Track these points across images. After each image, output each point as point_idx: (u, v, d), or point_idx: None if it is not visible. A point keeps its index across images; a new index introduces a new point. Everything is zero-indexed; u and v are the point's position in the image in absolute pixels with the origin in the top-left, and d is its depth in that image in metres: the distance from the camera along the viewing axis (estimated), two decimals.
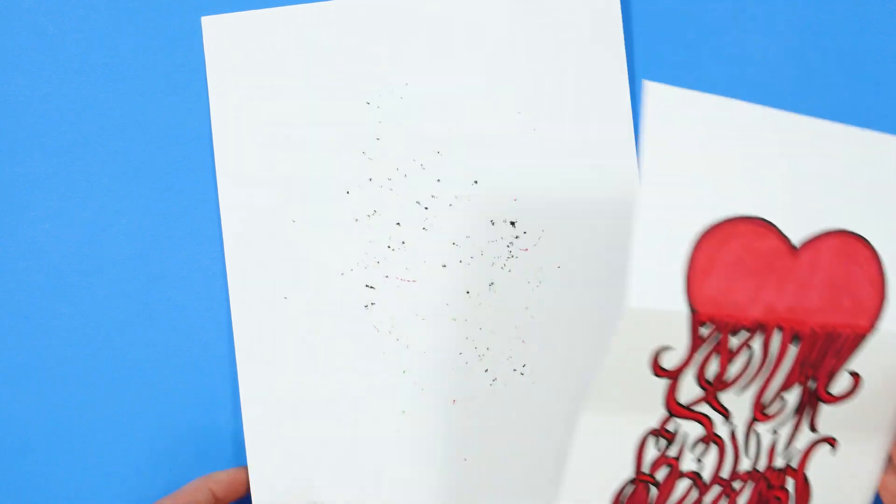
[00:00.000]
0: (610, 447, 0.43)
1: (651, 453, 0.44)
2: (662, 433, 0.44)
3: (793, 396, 0.44)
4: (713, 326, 0.41)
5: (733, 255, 0.41)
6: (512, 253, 0.53)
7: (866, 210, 0.43)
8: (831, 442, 0.46)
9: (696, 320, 0.41)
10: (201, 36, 0.53)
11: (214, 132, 0.52)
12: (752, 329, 0.42)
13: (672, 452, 0.44)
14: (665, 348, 0.41)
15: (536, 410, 0.53)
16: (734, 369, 0.43)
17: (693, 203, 0.40)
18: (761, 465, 0.46)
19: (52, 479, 0.53)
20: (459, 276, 0.52)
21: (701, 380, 0.42)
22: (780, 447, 0.45)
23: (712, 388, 0.43)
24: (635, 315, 0.39)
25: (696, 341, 0.41)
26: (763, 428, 0.45)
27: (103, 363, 0.53)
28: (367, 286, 0.52)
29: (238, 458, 0.53)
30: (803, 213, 0.43)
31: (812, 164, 0.43)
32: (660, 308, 0.40)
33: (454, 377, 0.52)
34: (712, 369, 0.42)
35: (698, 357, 0.42)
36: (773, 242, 0.42)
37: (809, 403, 0.45)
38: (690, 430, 0.44)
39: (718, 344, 0.42)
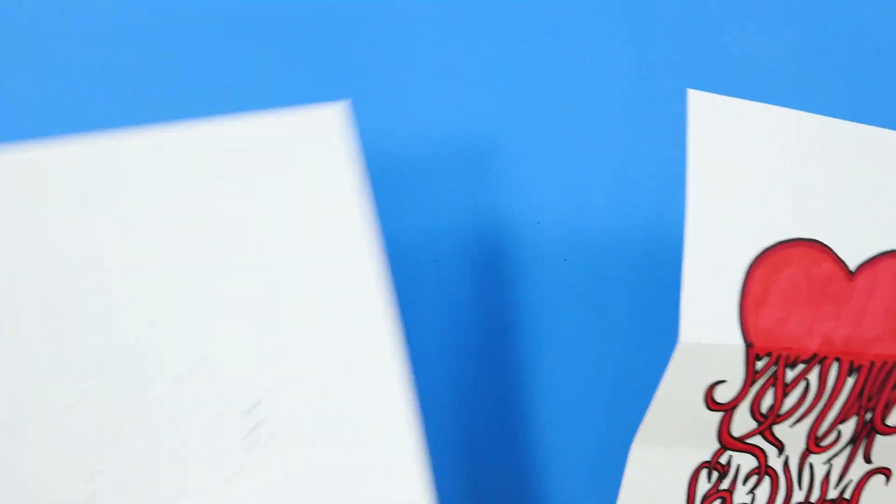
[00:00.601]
0: (661, 480, 0.42)
1: (703, 487, 0.43)
2: (715, 466, 0.43)
3: (848, 427, 0.43)
4: (769, 359, 0.40)
5: (789, 283, 0.40)
6: None
7: None
8: (886, 472, 0.45)
9: (752, 353, 0.39)
10: (198, 36, 0.52)
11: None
12: (809, 361, 0.40)
13: (724, 485, 0.43)
14: (720, 382, 0.40)
15: None
16: (789, 402, 0.41)
17: (745, 224, 0.39)
18: (815, 497, 0.44)
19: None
20: None
21: (756, 413, 0.41)
22: (833, 478, 0.44)
23: (767, 421, 0.42)
24: (688, 350, 0.38)
25: (751, 374, 0.40)
26: (817, 459, 0.44)
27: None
28: None
29: None
30: (859, 233, 0.41)
31: (867, 178, 0.42)
32: (714, 343, 0.39)
33: None
34: (767, 402, 0.41)
35: (753, 390, 0.41)
36: (829, 266, 0.41)
37: (866, 435, 0.43)
38: (743, 462, 0.43)
39: (774, 377, 0.40)
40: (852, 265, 0.41)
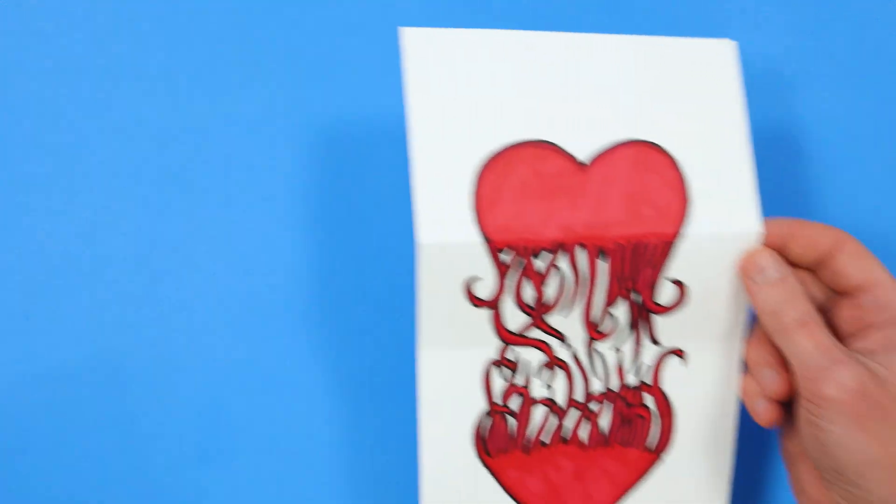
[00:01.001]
0: (456, 381, 0.47)
1: (499, 384, 0.47)
2: (504, 363, 0.47)
3: (621, 312, 0.47)
4: (513, 252, 0.45)
5: (519, 181, 0.45)
6: None
7: (657, 116, 0.46)
8: (679, 353, 0.48)
9: (493, 248, 0.44)
10: (198, 36, 0.54)
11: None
12: (553, 250, 0.45)
13: (519, 381, 0.47)
14: (474, 279, 0.45)
15: None
16: (551, 291, 0.46)
17: (469, 136, 0.45)
18: (614, 385, 0.48)
19: (49, 480, 0.53)
20: None
21: (522, 305, 0.46)
22: (626, 364, 0.48)
23: (536, 312, 0.46)
24: (429, 251, 0.44)
25: (501, 268, 0.45)
26: (603, 347, 0.47)
27: (103, 363, 0.53)
28: None
29: (250, 458, 0.54)
30: (588, 129, 0.46)
31: (589, 80, 0.46)
32: (452, 241, 0.44)
33: None
34: (529, 294, 0.46)
35: (510, 283, 0.45)
36: (558, 162, 0.45)
37: (641, 317, 0.47)
38: (531, 357, 0.47)
39: (525, 268, 0.45)
40: (585, 158, 0.46)
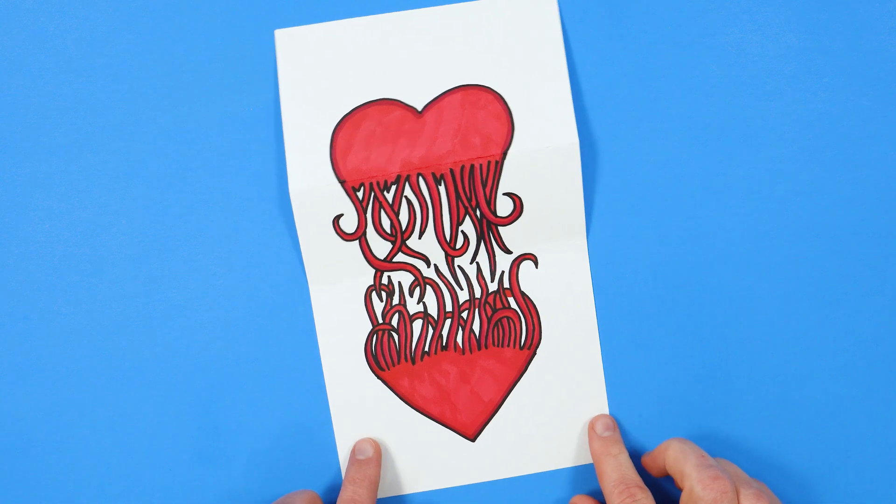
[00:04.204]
0: (343, 309, 0.55)
1: (379, 306, 0.55)
2: (380, 287, 0.55)
3: (469, 228, 0.54)
4: (364, 188, 0.54)
5: (367, 132, 0.54)
6: None
7: (486, 64, 0.54)
8: (530, 258, 0.55)
9: (349, 186, 0.53)
10: (198, 36, 0.54)
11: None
12: (397, 182, 0.54)
13: (395, 301, 0.55)
14: (339, 216, 0.54)
15: None
16: (404, 218, 0.54)
17: (326, 104, 0.54)
18: (479, 293, 0.55)
19: (50, 480, 0.54)
20: None
21: (383, 234, 0.54)
22: (485, 273, 0.55)
23: (397, 239, 0.54)
24: (300, 196, 0.53)
25: (358, 203, 0.54)
26: (462, 261, 0.55)
27: (103, 363, 0.54)
28: None
29: (246, 458, 0.55)
30: (424, 83, 0.54)
31: (426, 45, 0.54)
32: (316, 185, 0.53)
33: None
34: (387, 223, 0.54)
35: (369, 216, 0.54)
36: (399, 113, 0.54)
37: (488, 230, 0.54)
38: (402, 278, 0.55)
39: (378, 201, 0.54)
40: (420, 107, 0.55)
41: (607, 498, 0.51)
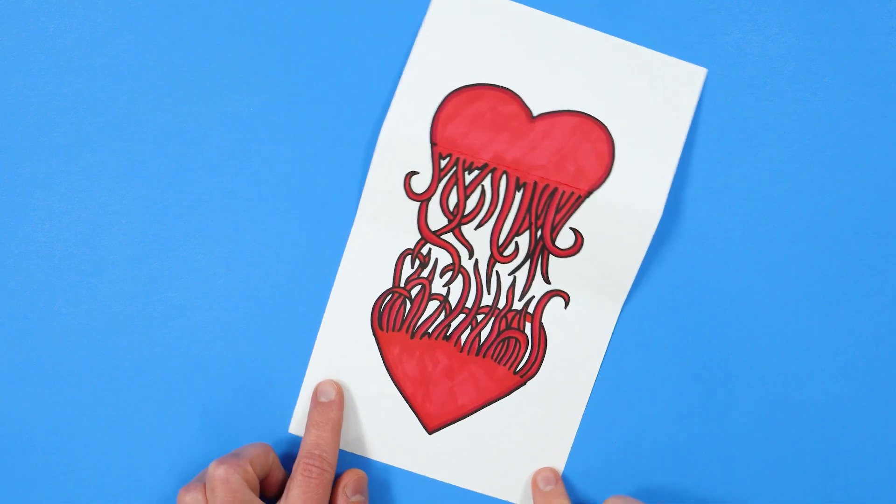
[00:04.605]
0: (374, 258, 0.55)
1: (407, 271, 0.56)
2: (417, 255, 0.55)
3: (524, 241, 0.55)
4: (450, 159, 0.54)
5: (476, 111, 0.54)
6: None
7: (613, 103, 0.54)
8: (563, 296, 0.55)
9: (437, 151, 0.54)
10: (197, 36, 0.54)
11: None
12: (482, 169, 0.54)
13: (424, 274, 0.56)
14: (414, 173, 0.54)
15: None
16: (471, 204, 0.54)
17: (455, 67, 0.54)
18: (502, 304, 0.56)
19: (50, 480, 0.54)
20: None
21: (445, 209, 0.54)
22: (517, 290, 0.55)
23: (455, 220, 0.55)
24: (388, 141, 0.53)
25: (437, 170, 0.54)
26: (502, 269, 0.55)
27: (103, 363, 0.54)
28: None
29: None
30: (550, 93, 0.55)
31: (571, 61, 0.55)
32: (408, 136, 0.53)
33: None
34: (453, 200, 0.54)
35: (441, 185, 0.54)
36: (514, 108, 0.54)
37: (540, 252, 0.55)
38: (441, 257, 0.55)
39: (455, 177, 0.54)
40: (537, 112, 0.55)
41: None
